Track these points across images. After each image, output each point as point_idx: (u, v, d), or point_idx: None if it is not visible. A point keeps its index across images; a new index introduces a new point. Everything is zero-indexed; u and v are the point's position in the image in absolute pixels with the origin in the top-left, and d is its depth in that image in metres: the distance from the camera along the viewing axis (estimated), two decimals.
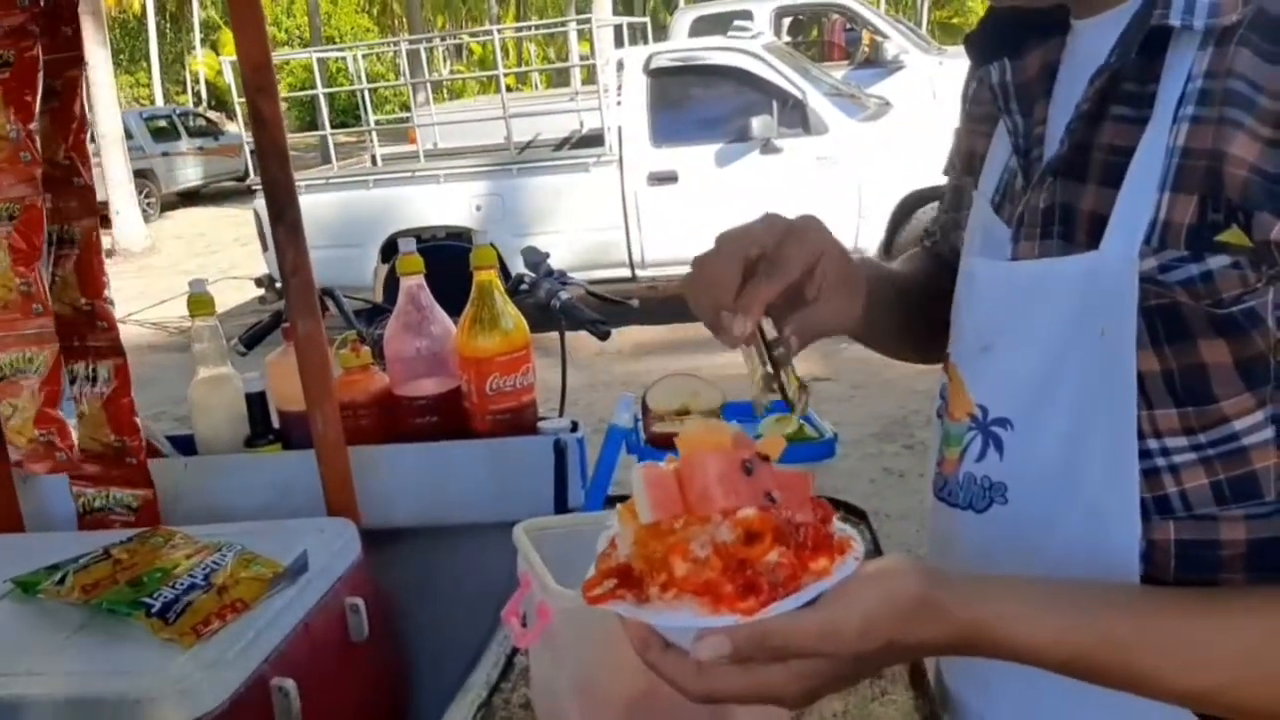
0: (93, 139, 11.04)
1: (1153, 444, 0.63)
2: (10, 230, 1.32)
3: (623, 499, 0.64)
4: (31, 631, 1.14)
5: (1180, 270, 0.59)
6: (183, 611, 1.08)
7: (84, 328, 1.42)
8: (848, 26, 9.98)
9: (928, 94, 8.14)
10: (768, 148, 5.87)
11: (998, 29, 0.73)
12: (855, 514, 1.41)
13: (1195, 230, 0.58)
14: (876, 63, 8.68)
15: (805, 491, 0.62)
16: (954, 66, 8.57)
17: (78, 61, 1.37)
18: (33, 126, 1.31)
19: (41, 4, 1.32)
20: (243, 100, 6.86)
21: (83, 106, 1.38)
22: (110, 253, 10.73)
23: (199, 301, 1.53)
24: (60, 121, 1.36)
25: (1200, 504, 0.63)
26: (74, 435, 1.40)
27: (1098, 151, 0.64)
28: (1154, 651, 0.57)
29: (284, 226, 1.30)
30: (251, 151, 6.99)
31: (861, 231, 5.85)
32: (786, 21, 10.57)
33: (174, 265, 10.76)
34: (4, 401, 1.36)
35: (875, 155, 5.80)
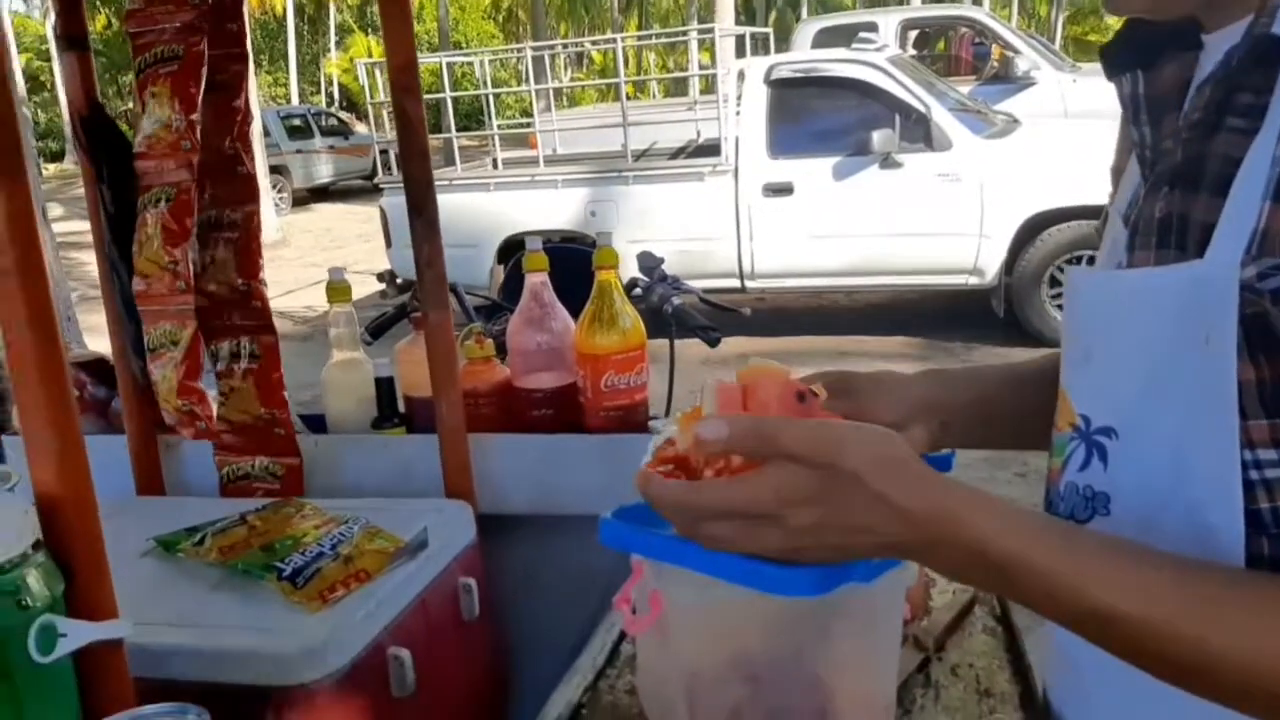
0: None
1: (1246, 456, 0.61)
2: (163, 211, 1.41)
3: None
4: (171, 587, 1.22)
5: (1275, 279, 0.58)
6: (311, 577, 1.14)
7: (239, 306, 1.51)
8: (976, 40, 9.73)
9: (1059, 111, 7.86)
10: (888, 162, 5.77)
11: (1133, 40, 0.73)
12: None
13: None
14: (1006, 78, 8.43)
15: None
16: (1087, 84, 8.25)
17: (242, 58, 1.47)
18: (194, 117, 1.40)
19: (209, 1, 1.42)
20: (374, 102, 7.15)
21: (247, 100, 1.48)
22: None
23: (337, 289, 1.61)
24: (224, 113, 1.46)
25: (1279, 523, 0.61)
26: (213, 407, 1.49)
27: (1212, 161, 0.64)
28: (1078, 568, 0.59)
29: (422, 221, 1.36)
30: (381, 151, 7.27)
31: (983, 251, 5.70)
32: (913, 35, 10.37)
33: (301, 257, 11.27)
34: (154, 372, 1.47)
35: (1000, 174, 5.64)
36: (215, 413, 1.51)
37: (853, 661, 0.86)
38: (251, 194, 1.49)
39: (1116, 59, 0.74)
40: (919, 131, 5.80)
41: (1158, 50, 0.71)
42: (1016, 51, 8.61)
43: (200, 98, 1.41)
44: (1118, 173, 0.80)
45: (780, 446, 0.61)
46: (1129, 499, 0.68)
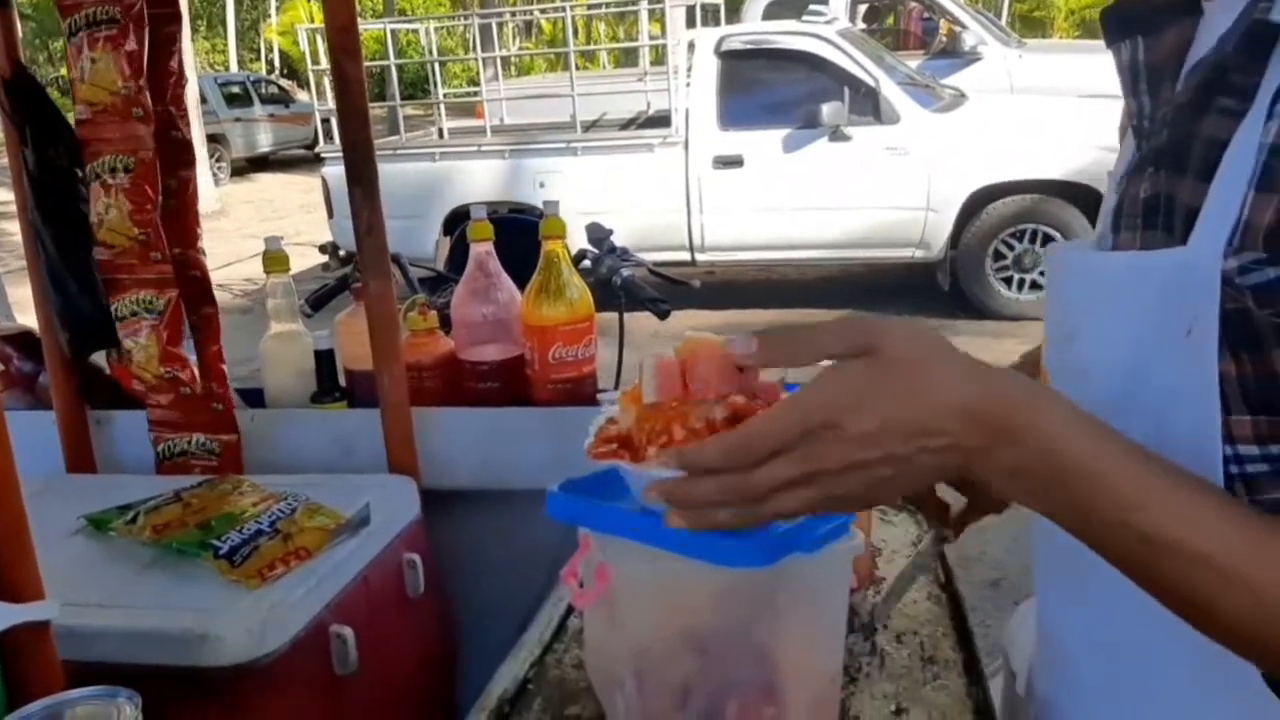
0: None
1: (1227, 450, 0.60)
2: (126, 181, 1.37)
3: None
4: (102, 566, 1.18)
5: (1256, 274, 0.56)
6: (249, 555, 1.11)
7: (176, 276, 1.46)
8: (925, 15, 9.77)
9: (1005, 87, 7.94)
10: (837, 135, 5.78)
11: (1133, 6, 0.70)
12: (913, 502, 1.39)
13: (1274, 232, 0.55)
14: (953, 53, 8.48)
15: (778, 397, 0.71)
16: (1033, 60, 8.34)
17: (175, 18, 1.41)
18: (142, 82, 1.35)
19: None
20: (315, 69, 6.97)
21: (180, 63, 1.42)
22: None
23: (274, 258, 1.56)
24: (157, 76, 1.40)
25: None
26: (196, 372, 1.45)
27: (1199, 143, 0.62)
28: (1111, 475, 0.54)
29: (361, 187, 1.33)
30: (323, 120, 7.08)
31: (929, 225, 5.75)
32: (862, 8, 10.39)
33: (241, 229, 11.00)
34: (126, 340, 1.43)
35: (947, 147, 5.68)
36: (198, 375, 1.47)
37: (799, 633, 0.86)
38: (187, 160, 1.44)
39: (1117, 25, 0.71)
40: (868, 105, 5.81)
41: (1159, 16, 0.68)
42: (964, 27, 8.66)
43: (145, 61, 1.35)
44: (1123, 133, 0.77)
45: (818, 348, 0.57)
46: None
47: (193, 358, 1.45)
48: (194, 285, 1.44)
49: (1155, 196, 0.66)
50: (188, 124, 1.44)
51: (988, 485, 0.56)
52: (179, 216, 1.42)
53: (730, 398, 0.75)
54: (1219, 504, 0.55)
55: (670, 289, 2.63)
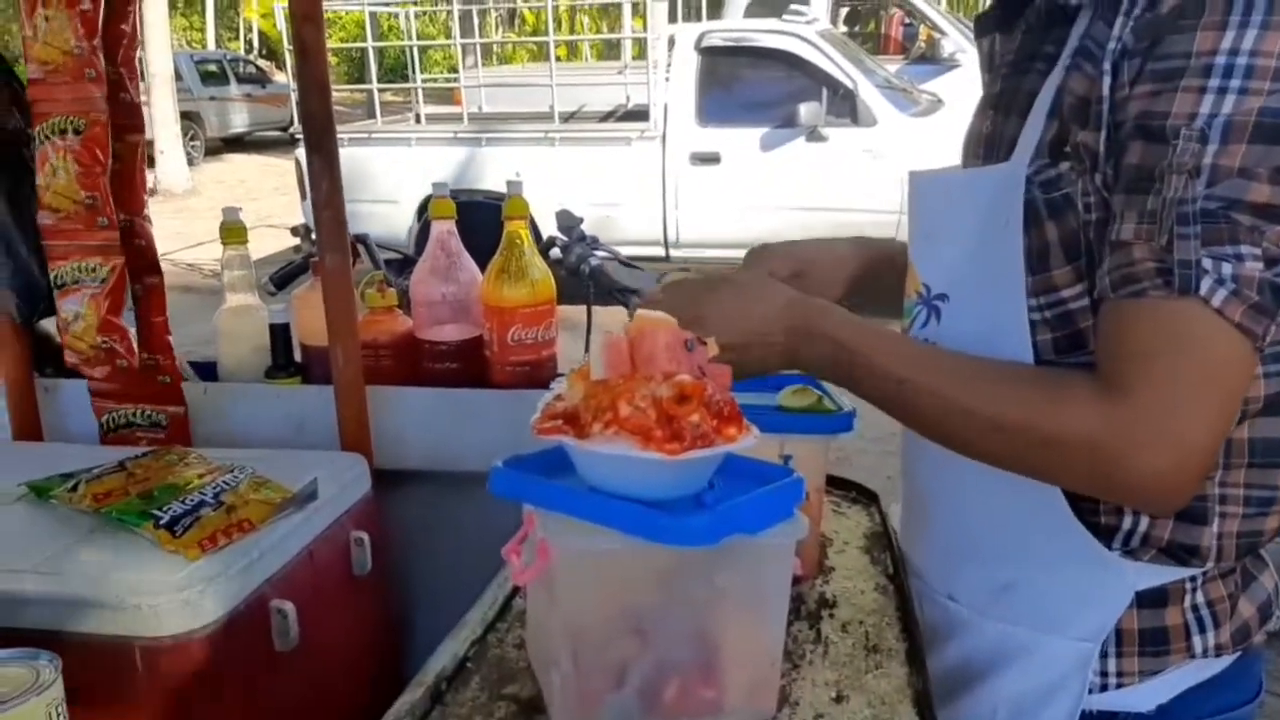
0: (143, 76, 11.17)
1: (1032, 302, 0.84)
2: (76, 144, 1.34)
3: None
4: (41, 534, 1.15)
5: (1044, 174, 0.82)
6: (190, 526, 1.09)
7: (120, 244, 1.43)
8: (906, 21, 9.83)
9: (980, 95, 8.01)
10: (814, 135, 5.80)
11: (998, 9, 0.94)
12: (866, 495, 1.40)
13: (1053, 143, 0.81)
14: (932, 59, 8.54)
15: (727, 380, 0.80)
16: None
17: None
18: (96, 42, 1.32)
19: None
20: (292, 48, 6.90)
21: (134, 23, 1.39)
22: (152, 192, 10.79)
23: (232, 230, 1.53)
24: (111, 37, 1.37)
25: (1045, 353, 0.85)
26: (134, 344, 1.42)
27: (1021, 94, 0.87)
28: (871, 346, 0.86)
29: (320, 158, 1.30)
30: (297, 104, 7.01)
31: (902, 226, 5.77)
32: (844, 11, 10.43)
33: (213, 209, 10.82)
34: (64, 307, 1.39)
35: (923, 151, 5.71)
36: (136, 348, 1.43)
37: (740, 615, 0.86)
38: (136, 124, 1.41)
39: (984, 24, 0.97)
40: (845, 106, 5.83)
41: (1016, 16, 0.91)
42: (943, 34, 8.72)
43: (100, 20, 1.32)
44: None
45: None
46: (952, 344, 0.89)
47: (133, 330, 1.41)
48: (139, 254, 1.41)
49: (993, 133, 0.91)
50: (137, 87, 1.41)
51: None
52: (125, 182, 1.39)
53: (677, 376, 0.76)
54: (946, 359, 0.85)
55: (641, 280, 2.61)
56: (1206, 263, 0.71)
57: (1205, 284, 0.71)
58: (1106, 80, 0.77)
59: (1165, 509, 0.83)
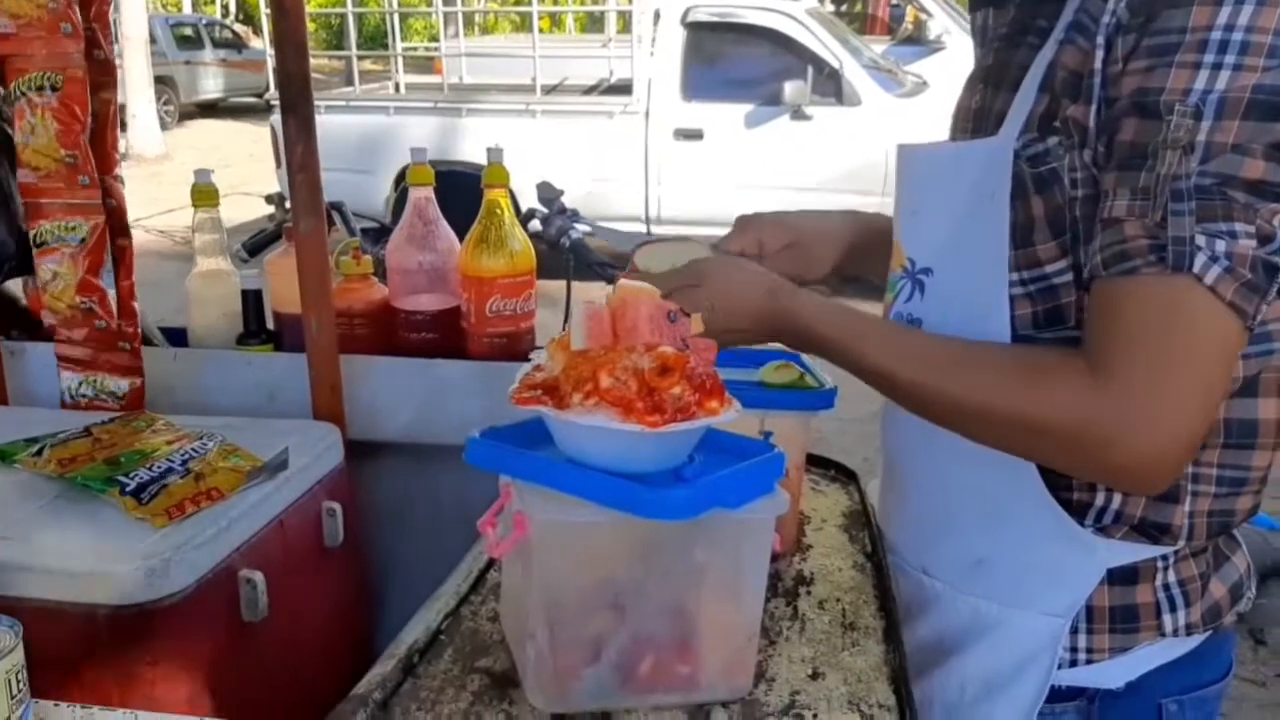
0: (116, 38, 10.90)
1: (1013, 276, 0.84)
2: (54, 100, 1.30)
3: None
4: (5, 498, 1.12)
5: (1031, 148, 0.81)
6: (157, 494, 1.07)
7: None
8: (893, 1, 9.79)
9: (966, 77, 8.00)
10: (798, 114, 5.77)
11: None
12: (845, 474, 1.39)
13: (1043, 117, 0.81)
14: (919, 40, 8.50)
15: (712, 354, 0.79)
16: None
17: None
18: None
19: None
20: (269, 12, 6.77)
21: None
22: (124, 156, 10.62)
23: (203, 192, 1.50)
24: None
25: (1023, 328, 0.85)
26: (114, 306, 1.38)
27: (1012, 68, 0.86)
28: (865, 336, 0.87)
29: (296, 120, 1.27)
30: (274, 69, 6.89)
31: (885, 208, 5.76)
32: None
33: (186, 175, 10.50)
34: (43, 267, 1.36)
35: (906, 132, 5.68)
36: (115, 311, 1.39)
37: (717, 590, 0.85)
38: (109, 81, 1.37)
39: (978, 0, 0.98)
40: (831, 86, 5.81)
41: None
42: (930, 15, 8.69)
43: None
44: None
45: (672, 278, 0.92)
46: (934, 321, 0.91)
47: (112, 291, 1.38)
48: (111, 215, 1.37)
49: (981, 107, 0.91)
50: (110, 43, 1.36)
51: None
52: (99, 141, 1.35)
53: (659, 348, 0.75)
54: (928, 346, 0.86)
55: (619, 255, 2.59)
56: (1200, 239, 0.70)
57: (1199, 261, 0.70)
58: (1099, 54, 0.76)
59: (1153, 490, 0.83)
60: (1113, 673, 0.91)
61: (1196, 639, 0.91)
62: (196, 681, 1.02)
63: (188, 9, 24.50)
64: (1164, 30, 0.73)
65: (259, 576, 1.07)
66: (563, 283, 2.13)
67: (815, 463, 1.39)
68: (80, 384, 1.42)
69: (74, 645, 0.98)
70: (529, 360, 0.85)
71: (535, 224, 2.35)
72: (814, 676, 0.90)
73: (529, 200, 2.50)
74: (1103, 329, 0.76)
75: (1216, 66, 0.70)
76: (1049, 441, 0.78)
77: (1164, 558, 0.88)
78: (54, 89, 1.31)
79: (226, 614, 1.07)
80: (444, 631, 0.94)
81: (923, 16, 8.62)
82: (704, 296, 0.88)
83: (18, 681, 0.79)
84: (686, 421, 0.74)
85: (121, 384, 1.42)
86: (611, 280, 2.41)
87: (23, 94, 1.33)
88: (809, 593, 1.05)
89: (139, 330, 1.43)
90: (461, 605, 0.98)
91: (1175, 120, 0.71)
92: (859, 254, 1.11)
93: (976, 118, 0.91)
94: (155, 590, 0.97)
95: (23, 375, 1.50)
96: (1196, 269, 0.70)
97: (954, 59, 8.35)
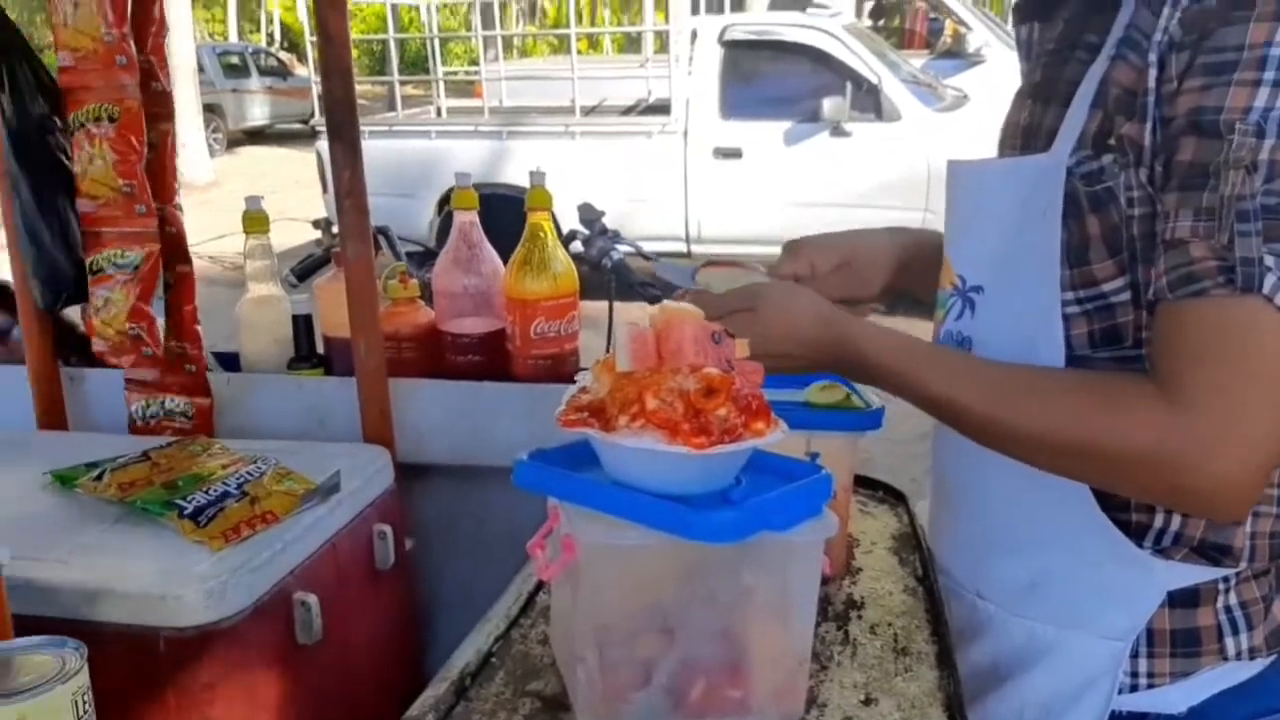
0: None
1: (1067, 296, 0.83)
2: (111, 131, 1.34)
3: None
4: (66, 523, 1.15)
5: (1085, 165, 0.81)
6: (214, 516, 1.09)
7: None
8: (931, 15, 9.74)
9: (1007, 90, 7.93)
10: (837, 130, 5.75)
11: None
12: (894, 495, 1.38)
13: (1097, 135, 0.80)
14: (958, 54, 8.45)
15: (758, 377, 0.78)
16: None
17: None
18: (126, 29, 1.32)
19: None
20: (314, 39, 6.91)
21: (162, 10, 1.39)
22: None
23: (254, 219, 1.53)
24: (140, 24, 1.37)
25: (1079, 347, 0.84)
26: (161, 334, 1.42)
27: (1062, 84, 0.86)
28: (929, 366, 0.86)
29: (342, 145, 1.30)
30: (319, 95, 7.04)
31: (927, 223, 5.73)
32: (868, 5, 10.36)
33: (235, 201, 10.79)
34: (96, 294, 1.40)
35: (948, 147, 5.65)
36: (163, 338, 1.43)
37: (768, 614, 0.84)
38: (166, 112, 1.41)
39: (1023, 11, 0.97)
40: (870, 101, 5.78)
41: (1057, 3, 0.90)
42: (969, 28, 8.64)
43: (129, 7, 1.32)
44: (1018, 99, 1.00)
45: (724, 304, 0.90)
46: (985, 339, 0.91)
47: (161, 318, 1.42)
48: (170, 242, 1.41)
49: (1030, 124, 0.90)
50: (168, 75, 1.41)
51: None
52: (157, 171, 1.39)
53: (705, 369, 0.75)
54: (991, 375, 0.84)
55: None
56: (1269, 260, 0.70)
57: (1269, 281, 0.70)
58: (1153, 73, 0.75)
59: (1230, 516, 0.82)
60: (1174, 698, 0.89)
61: (1260, 663, 0.89)
62: (253, 704, 1.04)
63: (234, 37, 25.10)
64: (1220, 48, 0.72)
65: (313, 599, 1.09)
66: (604, 303, 2.14)
67: (863, 484, 1.38)
68: (149, 405, 1.46)
69: (134, 667, 1.00)
70: (575, 382, 0.85)
71: (577, 245, 2.37)
72: (866, 702, 0.89)
73: (570, 221, 2.52)
74: (1172, 352, 0.75)
75: (1277, 84, 0.70)
76: (1124, 469, 0.77)
77: (1225, 580, 0.86)
78: (111, 120, 1.35)
79: (281, 636, 1.08)
80: (495, 654, 0.95)
81: (961, 30, 8.57)
82: (758, 322, 0.87)
83: (84, 703, 0.81)
84: (733, 443, 0.74)
85: (189, 405, 1.45)
86: (653, 300, 2.42)
87: (81, 125, 1.37)
88: (860, 617, 1.04)
89: (204, 353, 1.46)
90: (512, 628, 0.99)
91: (1237, 139, 0.70)
92: (909, 272, 1.10)
93: (1026, 134, 0.90)
94: (213, 613, 0.99)
95: (83, 401, 1.55)
96: (1266, 289, 0.70)
97: (994, 72, 8.29)
